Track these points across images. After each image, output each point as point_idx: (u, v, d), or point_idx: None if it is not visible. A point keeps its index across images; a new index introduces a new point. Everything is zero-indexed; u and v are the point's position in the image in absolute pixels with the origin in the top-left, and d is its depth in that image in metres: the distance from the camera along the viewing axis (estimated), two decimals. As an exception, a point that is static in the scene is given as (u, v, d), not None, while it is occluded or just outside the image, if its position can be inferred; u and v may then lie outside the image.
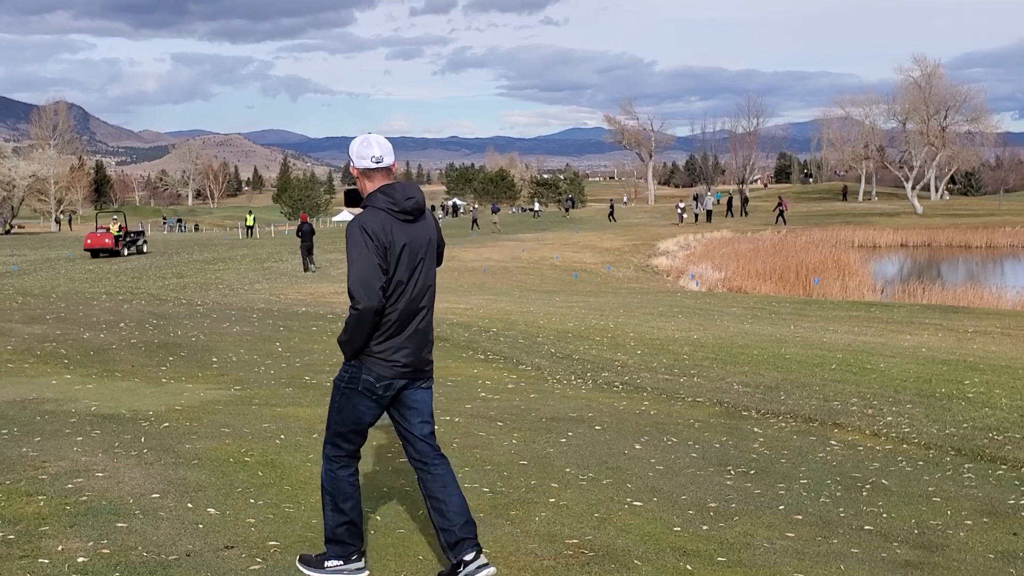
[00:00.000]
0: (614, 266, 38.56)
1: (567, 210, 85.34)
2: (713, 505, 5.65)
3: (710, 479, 6.28)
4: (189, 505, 5.20)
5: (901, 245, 52.77)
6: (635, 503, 5.60)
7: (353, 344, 4.13)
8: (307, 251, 30.28)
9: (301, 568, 4.34)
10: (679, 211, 64.18)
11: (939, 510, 5.76)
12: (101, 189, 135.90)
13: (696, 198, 69.56)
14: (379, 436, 6.48)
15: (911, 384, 10.34)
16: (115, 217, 43.96)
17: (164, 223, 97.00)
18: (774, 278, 34.49)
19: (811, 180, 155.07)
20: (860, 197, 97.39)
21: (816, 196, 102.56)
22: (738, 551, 4.83)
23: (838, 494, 6.05)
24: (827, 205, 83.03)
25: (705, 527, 5.21)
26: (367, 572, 4.35)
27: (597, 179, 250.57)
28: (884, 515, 5.62)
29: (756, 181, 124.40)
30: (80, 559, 4.32)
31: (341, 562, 4.28)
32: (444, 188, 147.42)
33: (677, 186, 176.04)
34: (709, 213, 64.46)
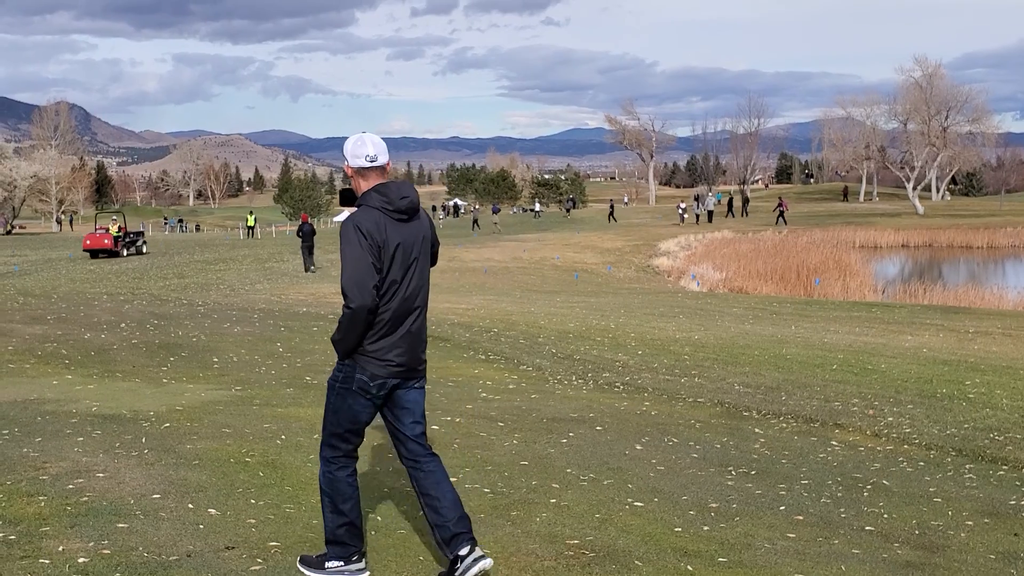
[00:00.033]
0: (615, 266, 38.55)
1: (568, 210, 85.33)
2: (714, 506, 5.64)
3: (711, 480, 6.28)
4: (190, 506, 5.20)
5: (902, 246, 52.76)
6: (636, 504, 5.60)
7: (346, 343, 4.13)
8: (308, 251, 30.28)
9: (302, 569, 4.34)
10: (680, 211, 64.17)
11: (940, 511, 5.75)
12: (102, 190, 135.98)
13: (697, 198, 69.54)
14: (378, 436, 6.48)
15: (912, 385, 10.33)
16: (114, 218, 43.96)
17: (165, 223, 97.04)
18: (775, 278, 34.49)
19: (812, 181, 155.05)
20: (861, 197, 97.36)
21: (817, 196, 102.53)
22: (739, 552, 4.83)
23: (839, 495, 6.04)
24: (828, 205, 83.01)
25: (706, 528, 5.21)
26: (368, 573, 4.35)
27: (598, 179, 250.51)
28: (885, 516, 5.62)
29: (757, 182, 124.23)
30: (81, 559, 4.33)
31: (342, 563, 4.28)
32: (445, 188, 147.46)
33: (678, 186, 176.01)
34: (710, 213, 64.45)
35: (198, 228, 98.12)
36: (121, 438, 6.77)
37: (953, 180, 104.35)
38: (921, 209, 68.95)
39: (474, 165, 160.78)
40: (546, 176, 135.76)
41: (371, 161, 4.22)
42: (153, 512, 5.06)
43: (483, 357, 12.22)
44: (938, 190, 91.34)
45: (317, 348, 12.38)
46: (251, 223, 63.03)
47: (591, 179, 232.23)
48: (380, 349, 4.16)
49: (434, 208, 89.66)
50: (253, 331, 14.09)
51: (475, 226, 58.09)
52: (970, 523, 5.51)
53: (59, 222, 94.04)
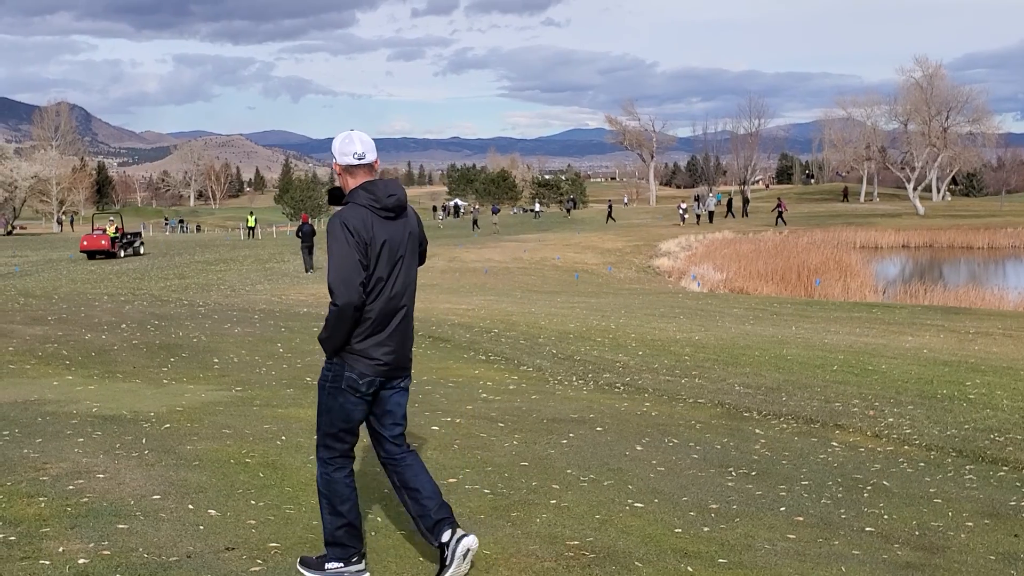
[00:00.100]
0: (615, 267, 38.55)
1: (568, 211, 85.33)
2: (714, 507, 5.64)
3: (711, 480, 6.28)
4: (190, 506, 5.20)
5: (903, 246, 52.75)
6: (636, 504, 5.60)
7: (334, 341, 4.15)
8: (308, 251, 30.29)
9: (301, 570, 4.33)
10: (680, 212, 64.17)
11: (940, 512, 5.75)
12: (103, 190, 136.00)
13: (697, 199, 69.54)
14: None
15: (912, 385, 10.33)
16: (112, 219, 43.94)
17: (166, 224, 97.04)
18: (776, 279, 34.48)
19: (813, 181, 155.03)
20: (862, 198, 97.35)
21: (818, 197, 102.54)
22: (739, 553, 4.83)
23: (839, 495, 6.04)
24: (828, 206, 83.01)
25: (706, 529, 5.20)
26: (368, 574, 4.35)
27: (599, 180, 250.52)
28: (885, 516, 5.61)
29: (758, 182, 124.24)
30: (81, 560, 4.33)
31: (341, 564, 4.28)
32: (446, 189, 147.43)
33: (679, 187, 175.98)
34: (711, 214, 64.43)
35: (199, 228, 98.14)
36: (121, 439, 6.77)
37: (954, 180, 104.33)
38: (922, 209, 68.94)
39: (475, 165, 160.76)
40: (547, 176, 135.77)
41: (359, 159, 4.23)
42: (153, 513, 5.06)
43: (483, 358, 12.22)
44: (938, 191, 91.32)
45: (317, 349, 12.34)
46: (252, 224, 63.03)
47: (591, 179, 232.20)
48: (368, 347, 4.17)
49: (435, 208, 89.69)
50: (254, 332, 14.09)
51: (475, 226, 58.11)
52: (970, 524, 5.51)
53: (60, 223, 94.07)
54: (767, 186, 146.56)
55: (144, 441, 6.73)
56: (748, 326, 16.82)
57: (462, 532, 4.24)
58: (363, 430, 4.42)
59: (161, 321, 15.14)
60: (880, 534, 5.28)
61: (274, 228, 77.52)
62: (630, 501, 5.66)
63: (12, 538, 4.60)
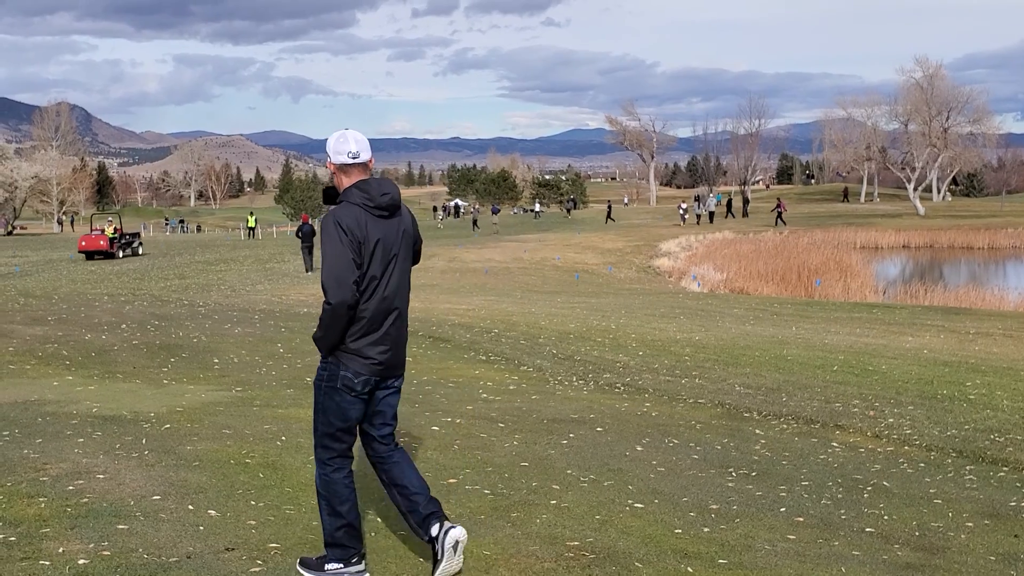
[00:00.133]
0: (616, 267, 38.55)
1: (568, 211, 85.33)
2: (714, 507, 5.64)
3: (711, 481, 6.28)
4: (190, 507, 5.20)
5: (903, 246, 52.75)
6: (636, 505, 5.60)
7: (328, 340, 4.16)
8: (308, 252, 30.29)
9: (301, 571, 4.33)
10: (681, 212, 64.17)
11: (940, 512, 5.75)
12: (103, 190, 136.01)
13: (698, 199, 69.55)
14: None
15: (913, 386, 10.33)
16: (110, 219, 43.90)
17: (166, 224, 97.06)
18: (776, 279, 34.48)
19: (813, 181, 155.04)
20: (862, 198, 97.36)
21: (818, 197, 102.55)
22: (739, 553, 4.83)
23: (839, 496, 6.04)
24: (829, 206, 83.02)
25: (706, 529, 5.20)
26: (367, 574, 4.35)
27: (599, 180, 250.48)
28: (885, 517, 5.61)
29: (758, 182, 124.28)
30: (81, 561, 4.33)
31: (341, 565, 4.27)
32: (446, 189, 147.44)
33: (679, 187, 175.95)
34: (711, 214, 64.43)
35: (199, 229, 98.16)
36: (121, 439, 6.77)
37: (954, 181, 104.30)
38: (922, 210, 68.93)
39: (475, 166, 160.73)
40: (547, 177, 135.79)
41: (353, 158, 4.24)
42: (153, 513, 5.06)
43: (484, 358, 12.22)
44: (939, 191, 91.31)
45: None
46: (252, 224, 63.03)
47: (592, 180, 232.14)
48: (362, 346, 4.18)
49: (435, 208, 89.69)
50: (254, 332, 14.09)
51: (475, 227, 58.12)
52: (970, 525, 5.51)
53: (60, 223, 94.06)
54: (767, 186, 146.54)
55: (144, 441, 6.73)
56: (748, 326, 16.82)
57: (450, 524, 4.28)
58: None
59: (161, 321, 15.14)
60: (880, 535, 5.28)
61: (274, 228, 77.54)
62: (630, 502, 5.66)
63: (12, 539, 4.60)
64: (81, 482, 5.59)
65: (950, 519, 5.61)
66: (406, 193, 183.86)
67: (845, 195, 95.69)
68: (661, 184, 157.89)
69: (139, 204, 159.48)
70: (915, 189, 76.38)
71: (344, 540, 4.27)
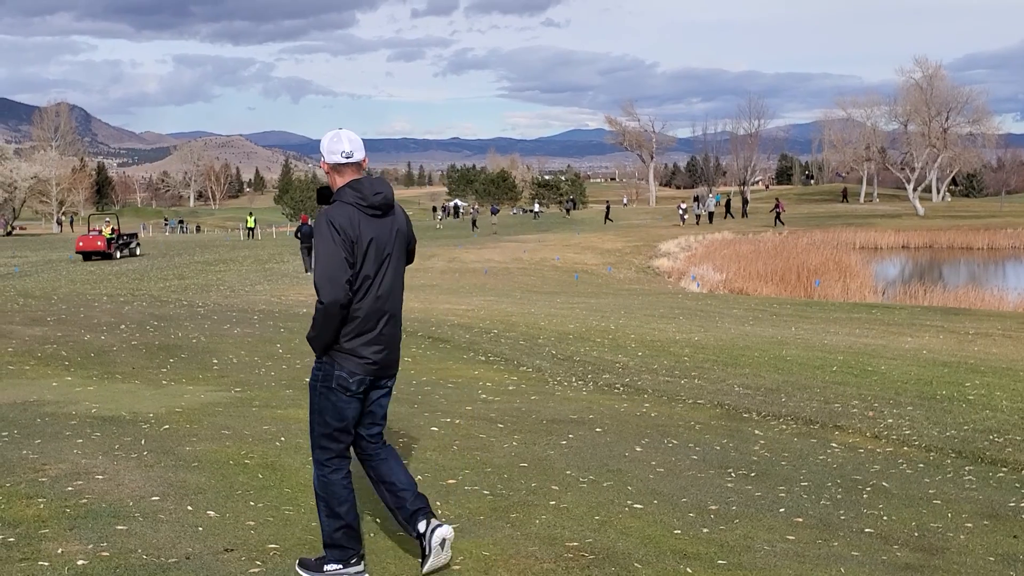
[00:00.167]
0: (615, 267, 38.56)
1: (568, 211, 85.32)
2: (713, 508, 5.64)
3: (711, 481, 6.28)
4: (189, 508, 5.20)
5: (902, 247, 52.75)
6: (636, 506, 5.60)
7: (322, 339, 4.17)
8: (307, 252, 30.30)
9: (300, 572, 4.33)
10: (680, 212, 64.18)
11: (939, 513, 5.75)
12: (103, 191, 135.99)
13: (697, 199, 69.55)
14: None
15: (912, 386, 10.33)
16: (107, 219, 43.87)
17: (166, 224, 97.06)
18: (775, 280, 34.48)
19: (813, 182, 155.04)
20: (861, 199, 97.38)
21: (817, 198, 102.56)
22: (738, 554, 4.83)
23: (838, 497, 6.04)
24: (828, 207, 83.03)
25: (705, 530, 5.20)
26: (367, 575, 4.35)
27: (598, 180, 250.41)
28: (884, 518, 5.61)
29: (757, 183, 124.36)
30: (80, 562, 4.33)
31: (340, 566, 4.28)
32: (446, 189, 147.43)
33: (678, 187, 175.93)
34: (711, 214, 64.44)
35: (198, 229, 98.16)
36: (120, 440, 6.77)
37: (953, 181, 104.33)
38: (921, 210, 68.94)
39: (475, 166, 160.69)
40: (546, 177, 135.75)
41: (347, 157, 4.25)
42: (152, 514, 5.06)
43: (483, 358, 12.21)
44: (938, 191, 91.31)
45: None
46: (251, 224, 63.00)
47: (591, 180, 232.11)
48: (357, 346, 4.19)
49: (434, 208, 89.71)
50: (253, 332, 14.09)
51: (474, 227, 58.13)
52: (969, 525, 5.51)
53: (60, 223, 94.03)
54: (767, 187, 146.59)
55: (143, 442, 6.73)
56: (748, 327, 16.83)
57: (437, 522, 4.32)
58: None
59: (160, 322, 15.14)
60: (879, 535, 5.28)
61: (274, 229, 77.52)
62: (629, 502, 5.66)
63: (11, 539, 4.60)
64: (80, 483, 5.59)
65: (949, 520, 5.61)
66: (406, 193, 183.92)
67: (844, 195, 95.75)
68: (660, 184, 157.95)
69: (139, 204, 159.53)
70: (914, 189, 76.41)
71: (343, 541, 4.27)
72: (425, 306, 18.80)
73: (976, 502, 6.02)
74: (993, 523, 5.57)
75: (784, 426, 8.37)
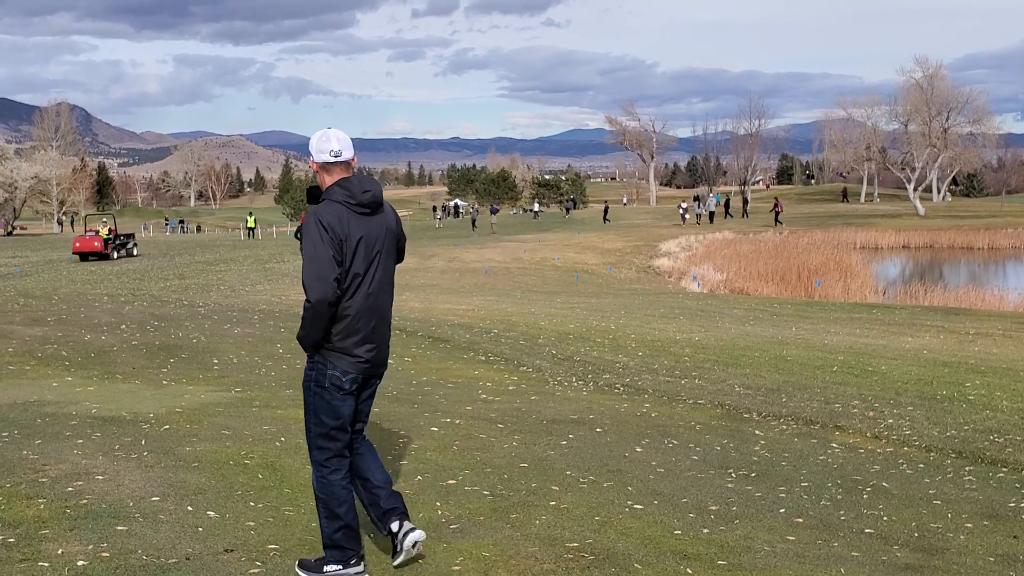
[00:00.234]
0: (615, 267, 38.55)
1: (568, 211, 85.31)
2: (714, 508, 5.64)
3: (711, 482, 6.28)
4: (189, 508, 5.20)
5: (903, 247, 52.76)
6: (636, 506, 5.60)
7: (311, 338, 4.18)
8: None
9: (300, 573, 4.34)
10: (681, 212, 64.18)
11: (940, 513, 5.75)
12: (103, 191, 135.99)
13: (698, 199, 69.53)
14: (371, 437, 6.47)
15: (912, 386, 10.33)
16: (104, 220, 43.84)
17: (166, 224, 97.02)
18: (776, 279, 34.48)
19: (813, 181, 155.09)
20: (862, 198, 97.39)
21: (818, 197, 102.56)
22: (739, 554, 4.83)
23: (839, 497, 6.04)
24: (829, 206, 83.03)
25: (706, 530, 5.20)
26: (366, 575, 4.36)
27: (599, 180, 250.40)
28: (884, 518, 5.61)
29: (758, 183, 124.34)
30: (80, 562, 4.33)
31: (340, 566, 4.28)
32: (446, 189, 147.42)
33: (679, 187, 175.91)
34: (711, 214, 64.44)
35: (199, 229, 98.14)
36: (120, 440, 6.77)
37: (954, 181, 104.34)
38: (922, 210, 68.95)
39: (475, 166, 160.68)
40: (547, 177, 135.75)
41: (335, 156, 4.26)
42: (152, 515, 5.06)
43: (483, 358, 12.21)
44: (939, 191, 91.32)
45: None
46: (251, 224, 62.99)
47: (592, 180, 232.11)
48: (348, 345, 4.21)
49: (434, 208, 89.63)
50: (253, 332, 14.09)
51: (474, 227, 58.11)
52: (969, 525, 5.51)
53: (60, 223, 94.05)
54: (767, 187, 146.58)
55: (143, 442, 6.73)
56: (748, 327, 16.82)
57: (410, 526, 4.38)
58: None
59: (161, 322, 15.14)
60: (879, 536, 5.28)
61: (274, 228, 77.52)
62: (630, 503, 5.66)
63: (11, 540, 4.60)
64: (80, 483, 5.59)
65: (949, 520, 5.61)
66: (406, 193, 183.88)
67: (844, 195, 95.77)
68: (661, 184, 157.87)
69: (139, 204, 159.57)
70: (915, 189, 76.41)
71: (342, 542, 4.27)
72: (425, 306, 18.81)
73: (976, 502, 6.02)
74: (993, 523, 5.57)
75: (784, 426, 8.37)
